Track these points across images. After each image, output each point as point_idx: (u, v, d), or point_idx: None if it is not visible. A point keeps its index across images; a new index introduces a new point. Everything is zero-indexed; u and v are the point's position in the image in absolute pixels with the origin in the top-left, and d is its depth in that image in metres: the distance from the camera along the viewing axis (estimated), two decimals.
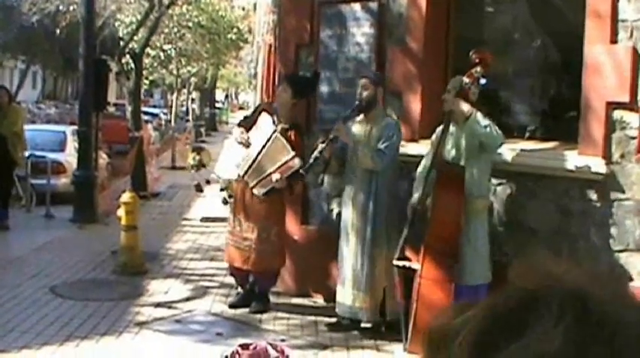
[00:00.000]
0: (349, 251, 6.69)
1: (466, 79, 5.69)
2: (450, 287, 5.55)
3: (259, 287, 7.50)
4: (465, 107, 5.65)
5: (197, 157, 7.66)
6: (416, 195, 6.05)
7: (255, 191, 7.21)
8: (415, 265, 5.80)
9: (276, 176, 7.08)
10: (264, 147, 7.12)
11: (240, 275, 7.51)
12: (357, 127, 6.71)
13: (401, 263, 5.94)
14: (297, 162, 7.00)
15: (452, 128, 5.87)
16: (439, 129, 5.98)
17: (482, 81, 5.70)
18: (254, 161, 7.16)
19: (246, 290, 7.54)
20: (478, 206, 5.79)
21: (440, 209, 5.68)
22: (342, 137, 6.60)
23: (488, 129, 5.58)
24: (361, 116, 6.68)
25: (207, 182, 7.79)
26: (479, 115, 5.60)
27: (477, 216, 5.78)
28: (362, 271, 6.61)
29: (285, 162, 7.05)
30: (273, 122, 7.23)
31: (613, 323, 0.72)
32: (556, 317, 0.72)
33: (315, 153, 6.57)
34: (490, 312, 0.76)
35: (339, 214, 7.07)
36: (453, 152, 5.87)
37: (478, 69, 5.68)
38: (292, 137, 7.19)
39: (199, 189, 7.94)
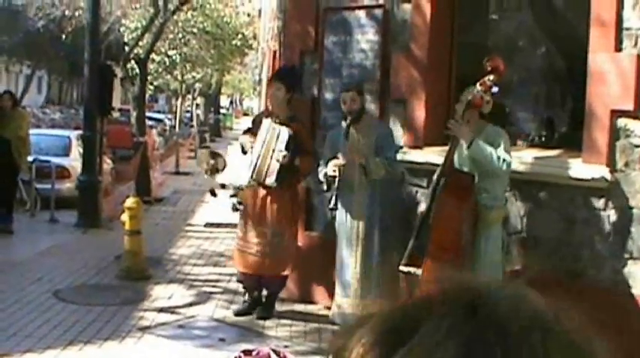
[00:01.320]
0: (352, 259, 6.69)
1: (479, 87, 5.62)
2: None
3: (269, 292, 7.49)
4: (466, 134, 5.60)
5: (211, 162, 7.65)
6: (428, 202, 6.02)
7: (267, 182, 7.17)
8: (419, 271, 5.77)
9: (277, 155, 7.08)
10: (264, 142, 7.17)
11: (250, 281, 7.48)
12: (351, 136, 6.69)
13: (406, 269, 5.90)
14: (284, 131, 7.08)
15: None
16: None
17: (495, 89, 5.64)
18: (258, 158, 7.19)
19: (254, 297, 7.52)
20: (492, 217, 5.73)
21: (443, 216, 5.64)
22: (353, 153, 6.58)
23: (490, 156, 5.54)
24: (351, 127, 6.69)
25: (223, 186, 7.82)
26: (480, 143, 5.55)
27: (491, 227, 5.72)
28: (364, 280, 6.61)
29: (276, 143, 7.10)
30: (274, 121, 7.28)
31: (502, 322, 0.69)
32: (441, 316, 0.70)
33: (334, 187, 6.56)
34: (384, 321, 0.74)
35: (334, 218, 7.05)
36: (465, 161, 5.83)
37: (491, 77, 5.60)
38: (294, 128, 7.20)
39: (214, 193, 7.95)
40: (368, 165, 6.55)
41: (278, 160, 7.06)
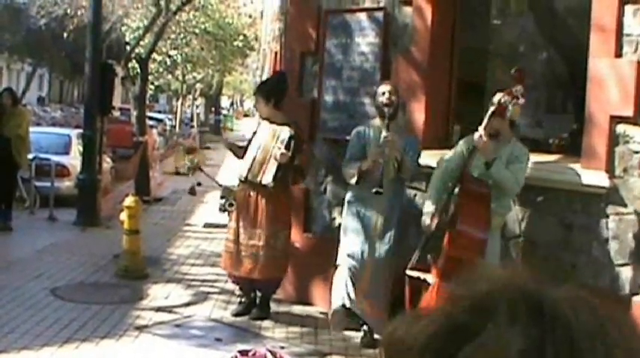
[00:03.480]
0: (366, 255, 6.58)
1: (506, 97, 5.48)
2: None
3: (263, 294, 7.49)
4: (488, 152, 5.54)
5: (193, 159, 7.67)
6: (430, 206, 5.95)
7: (264, 181, 7.15)
8: (429, 277, 5.71)
9: (275, 153, 7.08)
10: (260, 144, 7.23)
11: (243, 283, 7.49)
12: (378, 133, 6.55)
13: (414, 273, 5.85)
14: (286, 131, 7.11)
15: None
16: (462, 141, 5.91)
17: (522, 100, 5.56)
18: (254, 159, 7.22)
19: (250, 298, 7.52)
20: (497, 223, 5.75)
21: (465, 226, 5.55)
22: (392, 149, 6.40)
23: (508, 179, 5.55)
24: (379, 122, 6.57)
25: (199, 184, 7.79)
26: (500, 166, 5.54)
27: (493, 232, 5.75)
28: (373, 281, 6.57)
29: (276, 143, 7.12)
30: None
31: (567, 322, 0.72)
32: (511, 317, 0.72)
33: (380, 171, 6.41)
34: (442, 319, 0.76)
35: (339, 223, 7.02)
36: (481, 169, 5.76)
37: (519, 87, 5.47)
38: (294, 130, 7.21)
39: (193, 192, 7.95)
40: (404, 162, 6.46)
41: (276, 159, 7.06)
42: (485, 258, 5.56)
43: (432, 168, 6.38)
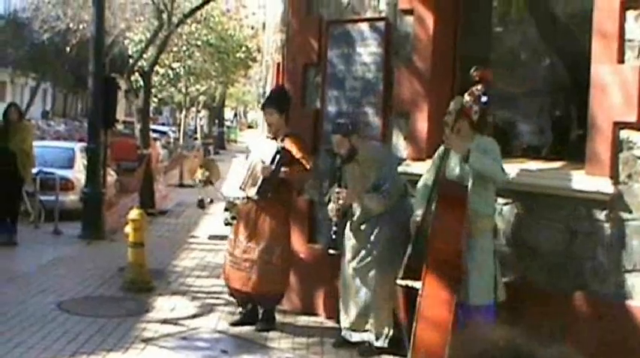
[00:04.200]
0: (352, 274, 6.69)
1: (467, 98, 5.68)
2: (450, 307, 5.47)
3: (263, 307, 7.49)
4: (460, 147, 5.61)
5: (206, 173, 7.70)
6: (418, 212, 6.00)
7: (249, 194, 7.25)
8: (418, 284, 5.74)
9: (258, 167, 7.16)
10: (253, 158, 7.29)
11: (239, 296, 7.51)
12: (349, 171, 6.70)
13: (404, 282, 5.89)
14: (274, 144, 7.15)
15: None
16: (441, 148, 5.97)
17: (484, 99, 5.68)
18: (248, 174, 7.30)
19: (247, 310, 7.53)
20: (484, 224, 5.76)
21: (441, 228, 5.61)
22: (350, 201, 6.62)
23: (491, 165, 5.58)
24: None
25: (211, 201, 7.81)
26: (477, 154, 5.57)
27: (482, 234, 5.75)
28: (366, 294, 6.61)
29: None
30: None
31: None
32: None
33: (333, 229, 6.62)
34: None
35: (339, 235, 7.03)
36: (457, 171, 5.85)
37: (479, 87, 5.66)
38: (291, 142, 7.23)
39: (202, 205, 7.98)
40: (365, 206, 6.58)
41: (260, 173, 7.16)
42: (467, 263, 5.57)
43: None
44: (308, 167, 7.24)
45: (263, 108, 7.77)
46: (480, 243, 5.71)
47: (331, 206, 6.63)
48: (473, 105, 5.68)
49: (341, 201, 6.56)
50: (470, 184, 5.70)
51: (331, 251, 6.67)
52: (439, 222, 5.62)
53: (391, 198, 6.51)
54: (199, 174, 7.81)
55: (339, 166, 6.63)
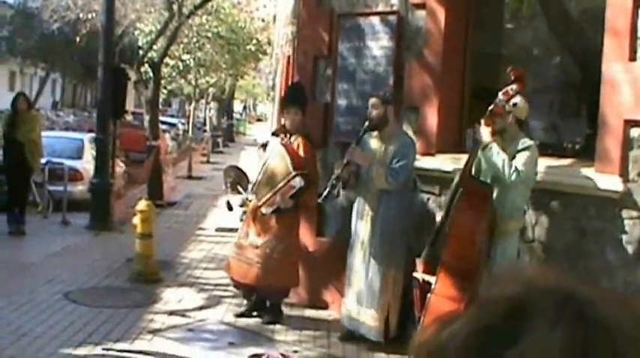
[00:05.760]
0: (358, 266, 6.69)
1: (501, 96, 5.61)
2: (459, 305, 5.44)
3: (269, 300, 7.50)
4: (486, 137, 5.60)
5: (236, 179, 7.83)
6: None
7: (263, 209, 7.26)
8: (432, 279, 5.72)
9: (278, 199, 7.14)
10: (266, 163, 7.25)
11: (243, 287, 7.57)
12: (373, 144, 6.70)
13: (420, 276, 5.87)
14: (297, 181, 7.05)
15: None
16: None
17: (517, 99, 5.63)
18: (259, 180, 7.30)
19: (251, 302, 7.57)
20: (510, 227, 5.71)
21: (458, 226, 5.58)
22: (356, 160, 6.61)
23: (499, 163, 5.54)
24: (376, 133, 6.68)
25: (230, 208, 7.89)
26: (494, 148, 5.55)
27: (508, 237, 5.69)
28: (370, 287, 6.61)
29: (287, 182, 7.07)
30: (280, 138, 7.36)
31: (610, 325, 0.71)
32: (551, 321, 0.71)
33: (332, 180, 6.62)
34: (478, 323, 0.74)
35: (349, 226, 7.04)
36: (482, 169, 5.80)
37: (514, 86, 5.58)
38: (300, 145, 7.23)
39: (230, 207, 8.05)
40: (370, 172, 6.56)
41: (280, 203, 7.16)
42: (492, 264, 5.55)
43: (445, 171, 6.38)
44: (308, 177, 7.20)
45: (285, 106, 7.62)
46: (505, 245, 5.66)
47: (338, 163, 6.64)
48: (505, 105, 5.60)
49: (350, 157, 6.55)
50: (495, 189, 5.65)
51: (319, 200, 6.69)
52: (458, 220, 5.60)
53: (397, 181, 6.47)
54: (229, 178, 7.92)
55: (362, 134, 6.59)
